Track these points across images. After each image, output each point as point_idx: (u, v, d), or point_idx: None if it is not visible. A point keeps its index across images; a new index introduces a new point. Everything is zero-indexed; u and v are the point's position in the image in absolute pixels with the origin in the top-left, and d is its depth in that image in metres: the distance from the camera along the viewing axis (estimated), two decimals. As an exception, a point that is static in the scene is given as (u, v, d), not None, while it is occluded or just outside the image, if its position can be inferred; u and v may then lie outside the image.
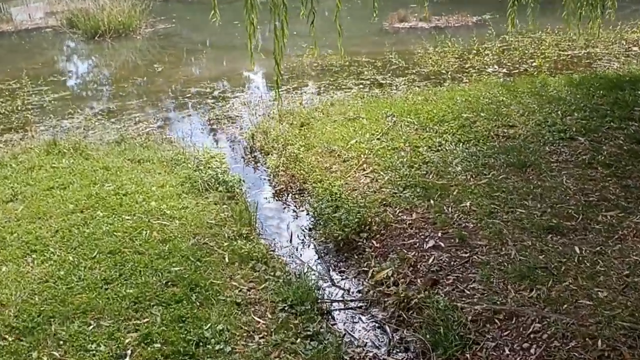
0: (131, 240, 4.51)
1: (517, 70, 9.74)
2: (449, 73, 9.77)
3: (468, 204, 4.75)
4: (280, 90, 5.27)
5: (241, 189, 5.70)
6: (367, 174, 5.65)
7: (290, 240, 5.05)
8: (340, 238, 4.68)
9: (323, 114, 7.78)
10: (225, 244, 4.55)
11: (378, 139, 6.35)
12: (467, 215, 4.61)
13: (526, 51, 10.91)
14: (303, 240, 5.07)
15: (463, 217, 4.60)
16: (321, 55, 11.44)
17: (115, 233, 4.60)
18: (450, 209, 4.74)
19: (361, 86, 9.37)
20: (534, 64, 9.99)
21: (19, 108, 9.09)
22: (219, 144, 7.30)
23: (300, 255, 4.81)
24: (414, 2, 18.12)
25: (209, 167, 6.07)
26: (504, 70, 9.81)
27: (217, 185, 5.59)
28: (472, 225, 4.48)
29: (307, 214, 5.44)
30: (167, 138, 7.43)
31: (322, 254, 4.76)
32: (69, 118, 8.55)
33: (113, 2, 15.47)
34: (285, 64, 11.15)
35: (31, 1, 26.46)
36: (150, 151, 6.72)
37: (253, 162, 6.74)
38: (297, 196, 5.72)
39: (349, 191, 5.36)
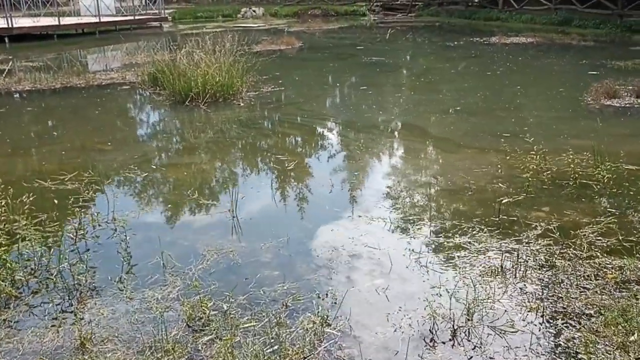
0: None
1: None
2: None
3: None
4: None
5: None
6: None
7: None
8: None
9: None
10: None
11: None
12: None
13: None
14: None
15: None
16: (539, 151, 7.08)
17: None
18: None
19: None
20: None
21: (70, 261, 5.03)
22: None
23: None
24: (613, 72, 13.77)
25: None
26: None
27: None
28: None
29: None
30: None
31: None
32: (161, 289, 4.41)
33: (210, 57, 11.76)
34: (494, 167, 6.80)
35: (110, 48, 23.61)
36: None
37: None
38: None
39: None
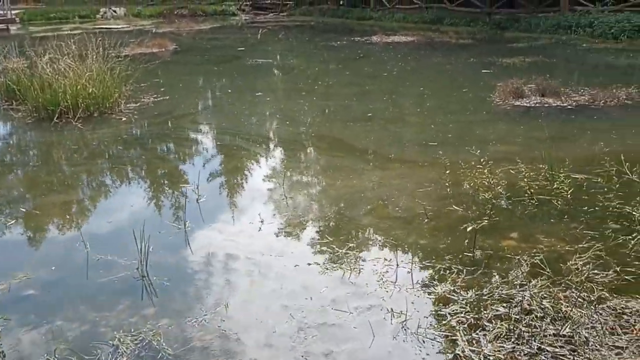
0: None
1: None
2: None
3: None
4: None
5: None
6: None
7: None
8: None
9: None
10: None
11: None
12: None
13: None
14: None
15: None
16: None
17: None
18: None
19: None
20: None
21: None
22: None
23: None
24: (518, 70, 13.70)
25: None
26: None
27: None
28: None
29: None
30: None
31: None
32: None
33: (79, 65, 10.00)
34: (439, 185, 6.00)
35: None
36: None
37: None
38: None
39: None
